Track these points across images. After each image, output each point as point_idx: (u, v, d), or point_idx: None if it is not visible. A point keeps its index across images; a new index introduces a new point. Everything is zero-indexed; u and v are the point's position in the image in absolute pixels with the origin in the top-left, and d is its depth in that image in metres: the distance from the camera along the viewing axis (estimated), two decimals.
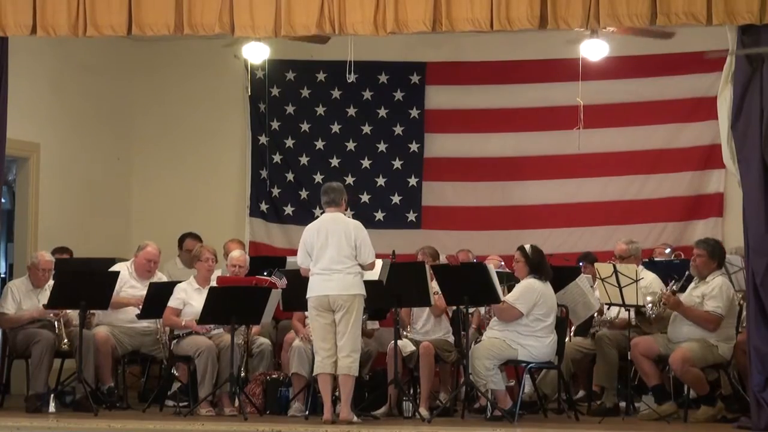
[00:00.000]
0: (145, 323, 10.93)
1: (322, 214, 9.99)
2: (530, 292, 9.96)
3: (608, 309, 10.67)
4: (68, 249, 12.24)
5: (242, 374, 10.55)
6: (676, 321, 10.06)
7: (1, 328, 10.84)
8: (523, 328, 9.94)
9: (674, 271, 10.57)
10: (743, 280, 10.14)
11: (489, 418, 9.95)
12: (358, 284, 9.64)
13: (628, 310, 10.19)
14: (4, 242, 14.13)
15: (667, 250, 12.28)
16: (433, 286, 10.25)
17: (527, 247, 10.16)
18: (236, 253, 11.27)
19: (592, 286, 10.70)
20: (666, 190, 13.49)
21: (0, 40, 10.31)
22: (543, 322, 9.95)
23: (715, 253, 10.10)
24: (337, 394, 9.75)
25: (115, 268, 11.18)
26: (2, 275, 14.21)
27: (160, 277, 11.31)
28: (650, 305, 10.07)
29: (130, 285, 11.04)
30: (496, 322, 10.17)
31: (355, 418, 9.62)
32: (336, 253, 9.60)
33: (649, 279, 10.51)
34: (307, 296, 9.69)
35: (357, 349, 9.62)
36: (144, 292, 10.86)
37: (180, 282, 10.92)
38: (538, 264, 10.10)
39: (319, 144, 14.16)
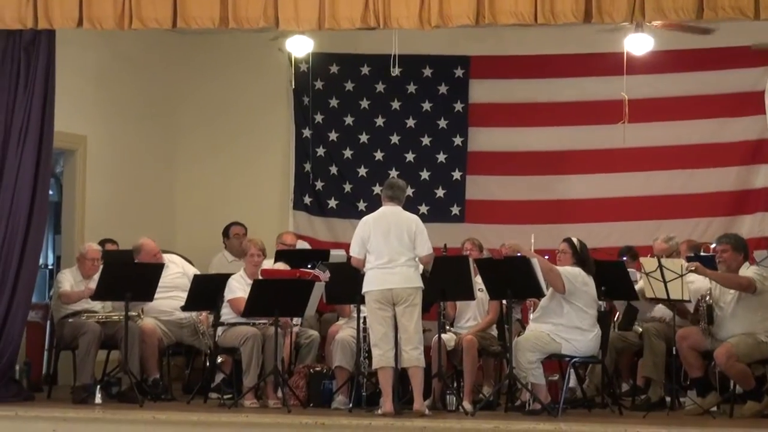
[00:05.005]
0: (181, 314, 11.00)
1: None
2: (576, 276, 9.91)
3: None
4: (114, 241, 12.31)
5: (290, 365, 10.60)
6: (722, 319, 9.97)
7: (60, 307, 10.88)
8: (567, 321, 9.90)
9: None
10: None
11: (527, 411, 9.93)
12: (418, 277, 9.74)
13: (674, 307, 10.12)
14: (52, 234, 14.23)
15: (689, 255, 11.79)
16: (477, 281, 10.25)
17: (575, 239, 10.13)
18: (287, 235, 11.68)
19: (635, 281, 10.67)
20: (712, 185, 13.39)
21: (47, 33, 10.40)
22: (585, 314, 9.90)
23: (739, 245, 10.01)
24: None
25: None
26: (50, 266, 14.33)
27: (169, 260, 11.33)
28: (706, 297, 10.00)
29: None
30: (539, 314, 10.13)
31: (427, 411, 9.67)
32: (398, 245, 9.66)
33: (693, 275, 10.44)
34: (367, 290, 9.71)
35: (422, 341, 9.74)
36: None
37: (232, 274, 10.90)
38: (584, 258, 10.07)
39: (363, 137, 14.15)
